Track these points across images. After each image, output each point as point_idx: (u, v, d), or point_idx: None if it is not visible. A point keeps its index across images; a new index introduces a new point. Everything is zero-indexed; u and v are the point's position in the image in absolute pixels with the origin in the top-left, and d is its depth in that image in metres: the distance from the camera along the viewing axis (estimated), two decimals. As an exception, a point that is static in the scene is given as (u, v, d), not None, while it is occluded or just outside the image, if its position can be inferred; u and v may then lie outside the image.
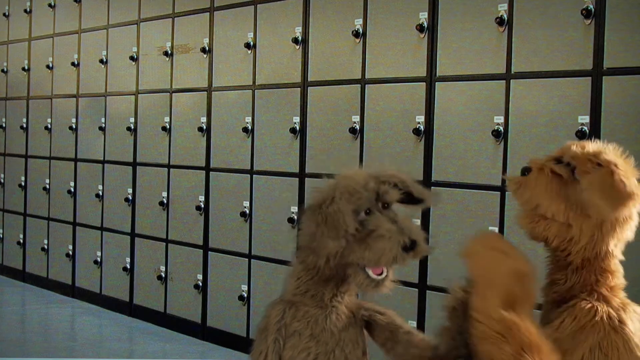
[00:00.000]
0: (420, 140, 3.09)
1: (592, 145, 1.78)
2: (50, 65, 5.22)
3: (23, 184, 5.46)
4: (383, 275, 1.77)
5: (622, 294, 1.80)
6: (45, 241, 5.21)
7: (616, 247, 1.79)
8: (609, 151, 1.77)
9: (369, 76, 3.29)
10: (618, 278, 1.80)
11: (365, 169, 1.95)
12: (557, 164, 1.75)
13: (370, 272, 1.76)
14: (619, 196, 1.68)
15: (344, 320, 1.83)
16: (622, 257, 1.83)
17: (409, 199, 1.89)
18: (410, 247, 1.72)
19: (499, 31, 2.86)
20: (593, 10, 2.60)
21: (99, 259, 4.73)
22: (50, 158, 5.20)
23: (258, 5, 3.78)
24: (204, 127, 4.04)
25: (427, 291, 3.06)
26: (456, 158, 2.99)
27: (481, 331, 1.64)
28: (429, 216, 3.06)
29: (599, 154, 1.73)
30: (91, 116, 4.86)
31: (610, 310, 1.71)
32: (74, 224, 4.97)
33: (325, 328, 1.82)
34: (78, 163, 4.96)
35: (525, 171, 1.77)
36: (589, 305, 1.71)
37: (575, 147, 1.77)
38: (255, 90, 3.80)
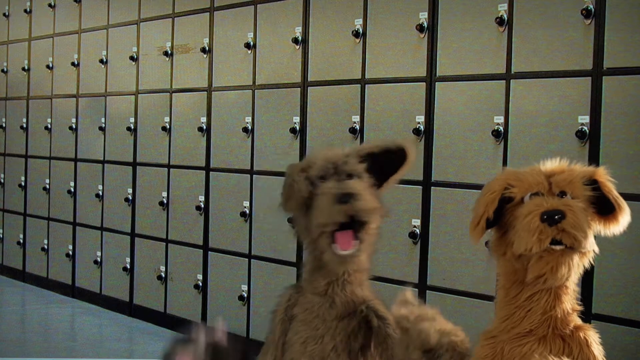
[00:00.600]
0: (420, 140, 3.09)
1: (544, 168, 1.75)
2: (50, 65, 5.22)
3: (23, 184, 5.46)
4: (350, 251, 1.76)
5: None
6: (45, 241, 5.21)
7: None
8: (569, 165, 1.77)
9: (369, 76, 3.29)
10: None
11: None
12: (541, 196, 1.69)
13: (336, 248, 1.76)
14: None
15: (339, 310, 1.84)
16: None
17: (392, 162, 1.86)
18: (342, 199, 1.72)
19: (499, 31, 2.86)
20: (593, 10, 2.60)
21: (99, 259, 4.73)
22: (50, 158, 5.20)
23: (258, 5, 3.78)
24: (204, 127, 4.04)
25: (427, 291, 3.06)
26: (456, 158, 2.99)
27: None
28: (429, 216, 3.06)
29: (578, 170, 1.75)
30: (91, 116, 4.86)
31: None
32: (74, 224, 4.97)
33: (319, 315, 1.85)
34: (78, 163, 4.96)
35: (557, 215, 1.63)
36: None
37: (533, 175, 1.72)
38: (255, 90, 3.80)
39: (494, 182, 1.76)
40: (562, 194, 1.68)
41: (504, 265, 1.76)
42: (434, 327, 1.76)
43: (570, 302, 1.74)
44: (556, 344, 1.70)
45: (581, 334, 1.72)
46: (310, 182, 1.81)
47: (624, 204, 1.73)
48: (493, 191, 1.73)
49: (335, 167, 1.82)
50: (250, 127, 3.79)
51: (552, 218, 1.61)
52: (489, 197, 1.73)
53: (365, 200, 1.75)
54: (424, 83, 3.09)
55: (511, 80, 2.83)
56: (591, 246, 1.67)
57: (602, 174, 1.74)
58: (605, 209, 1.72)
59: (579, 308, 1.78)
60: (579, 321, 1.75)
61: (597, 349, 1.73)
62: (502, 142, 2.84)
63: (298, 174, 1.82)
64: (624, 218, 1.73)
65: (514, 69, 2.83)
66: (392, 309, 1.87)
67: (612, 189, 1.72)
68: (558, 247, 1.63)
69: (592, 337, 1.74)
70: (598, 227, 1.73)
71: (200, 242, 4.05)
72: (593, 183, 1.73)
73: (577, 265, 1.68)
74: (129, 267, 4.50)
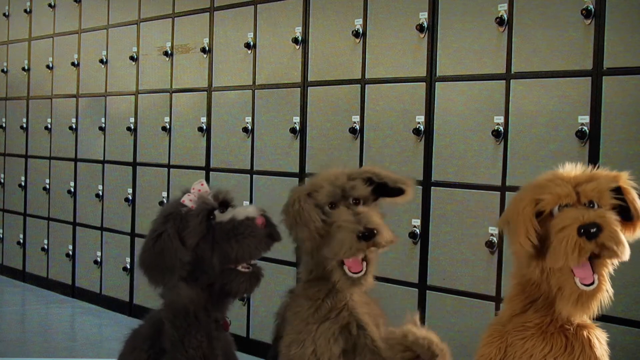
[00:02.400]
0: (420, 140, 3.09)
1: (568, 177, 1.73)
2: (50, 65, 5.22)
3: (23, 184, 5.46)
4: (360, 273, 1.82)
5: None
6: (45, 241, 5.21)
7: None
8: (594, 171, 1.75)
9: (369, 76, 3.29)
10: None
11: (343, 168, 1.96)
12: (570, 207, 1.67)
13: (346, 270, 1.81)
14: None
15: (323, 315, 1.86)
16: None
17: (388, 191, 1.90)
18: (365, 235, 1.76)
19: (499, 31, 2.86)
20: (593, 10, 2.60)
21: (99, 259, 4.73)
22: (50, 158, 5.20)
23: (258, 5, 3.78)
24: (204, 127, 4.04)
25: (427, 291, 3.06)
26: (456, 158, 2.99)
27: None
28: (429, 216, 3.06)
29: (605, 177, 1.73)
30: (91, 116, 4.86)
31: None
32: (74, 224, 4.97)
33: (303, 319, 1.89)
34: (78, 163, 4.96)
35: (594, 228, 1.60)
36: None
37: (560, 187, 1.69)
38: (255, 90, 3.80)
39: (522, 199, 1.72)
40: (591, 203, 1.67)
41: (525, 268, 1.74)
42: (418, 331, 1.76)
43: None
44: (558, 341, 1.70)
45: (584, 333, 1.71)
46: (320, 209, 1.84)
47: None
48: (526, 210, 1.69)
49: (343, 192, 1.85)
50: (250, 127, 3.79)
51: (589, 232, 1.59)
52: (526, 217, 1.69)
53: (384, 233, 1.80)
54: (424, 83, 3.09)
55: (511, 80, 2.83)
56: (628, 253, 1.64)
57: (626, 181, 1.72)
58: (623, 214, 1.70)
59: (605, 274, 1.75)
60: (583, 320, 1.74)
61: (601, 349, 1.72)
62: (502, 142, 2.84)
63: (306, 201, 1.84)
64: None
65: (514, 69, 2.83)
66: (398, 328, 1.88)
67: (634, 197, 1.69)
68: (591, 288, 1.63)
69: (597, 336, 1.73)
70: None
71: (200, 242, 4.04)
72: (616, 189, 1.71)
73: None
74: (129, 267, 4.50)
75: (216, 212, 2.05)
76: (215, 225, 2.02)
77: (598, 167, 1.79)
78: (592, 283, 1.63)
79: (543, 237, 1.67)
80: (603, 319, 2.53)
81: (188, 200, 2.06)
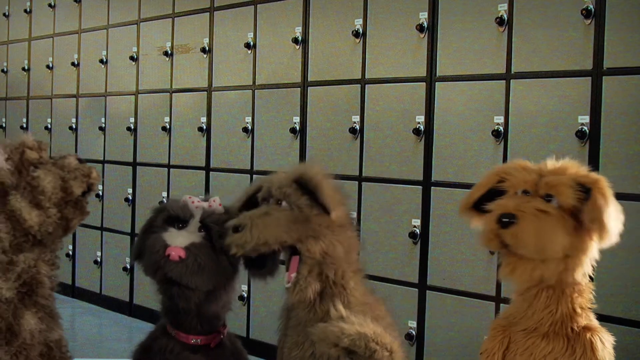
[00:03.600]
0: (420, 140, 3.09)
1: (539, 166, 1.72)
2: (50, 65, 5.22)
3: (23, 184, 5.45)
4: (290, 283, 1.85)
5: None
6: (45, 241, 5.21)
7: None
8: (572, 166, 1.71)
9: (369, 76, 3.29)
10: (587, 293, 1.77)
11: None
12: (526, 195, 1.67)
13: (285, 281, 1.86)
14: (619, 212, 1.67)
15: (320, 318, 1.87)
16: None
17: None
18: (233, 229, 1.83)
19: (499, 31, 2.86)
20: (593, 10, 2.60)
21: (99, 259, 4.73)
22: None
23: (258, 5, 3.78)
24: (204, 127, 4.04)
25: (427, 291, 3.06)
26: (456, 158, 2.99)
27: None
28: (428, 216, 3.06)
29: (575, 175, 1.68)
30: (91, 116, 4.86)
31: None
32: (74, 224, 4.97)
33: (301, 322, 1.90)
34: (78, 163, 4.95)
35: (509, 218, 1.62)
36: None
37: (524, 172, 1.70)
38: (255, 90, 3.80)
39: (490, 172, 1.78)
40: (549, 196, 1.66)
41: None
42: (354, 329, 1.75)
43: (578, 300, 1.72)
44: (559, 343, 1.70)
45: (587, 335, 1.70)
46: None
47: (606, 230, 1.64)
48: (485, 180, 1.76)
49: (270, 192, 1.92)
50: (250, 127, 3.79)
51: (502, 221, 1.62)
52: (481, 183, 1.76)
53: (251, 230, 1.81)
54: (424, 83, 3.09)
55: (511, 80, 2.83)
56: (553, 254, 1.63)
57: (599, 186, 1.65)
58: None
59: (590, 307, 1.75)
60: (589, 321, 1.73)
61: (603, 353, 1.70)
62: (502, 142, 2.84)
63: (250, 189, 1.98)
64: (604, 237, 1.67)
65: (514, 69, 2.83)
66: None
67: (601, 209, 1.62)
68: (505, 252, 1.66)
69: (601, 339, 1.71)
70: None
71: (200, 242, 4.04)
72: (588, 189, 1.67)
73: (548, 269, 1.66)
74: (128, 267, 4.50)
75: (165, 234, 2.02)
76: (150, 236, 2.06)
77: (597, 168, 1.76)
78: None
79: None
80: (603, 319, 2.54)
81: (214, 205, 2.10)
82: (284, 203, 1.88)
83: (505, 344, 1.75)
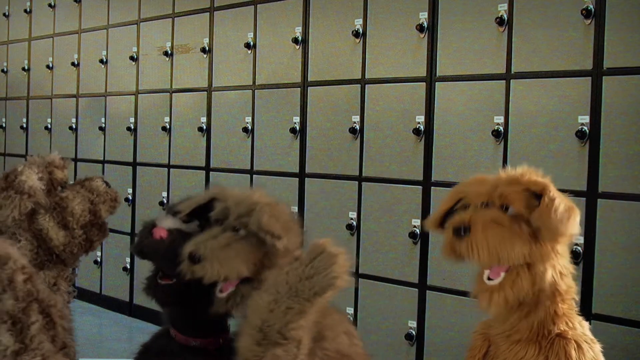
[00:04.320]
0: (420, 140, 3.09)
1: (496, 177, 1.75)
2: (50, 65, 5.22)
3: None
4: (224, 294, 1.79)
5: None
6: (45, 241, 5.21)
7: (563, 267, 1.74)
8: (526, 173, 1.74)
9: (369, 76, 3.29)
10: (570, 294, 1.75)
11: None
12: (485, 207, 1.70)
13: (218, 291, 1.80)
14: (572, 213, 1.67)
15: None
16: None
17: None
18: (189, 256, 1.75)
19: (499, 31, 2.86)
20: (593, 10, 2.60)
21: (99, 259, 4.73)
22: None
23: (258, 5, 3.78)
24: (204, 127, 4.04)
25: (427, 291, 3.06)
26: (456, 158, 2.99)
27: None
28: (429, 216, 3.06)
29: (526, 183, 1.71)
30: (91, 116, 4.86)
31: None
32: (74, 224, 4.97)
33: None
34: (78, 163, 4.95)
35: (463, 231, 1.67)
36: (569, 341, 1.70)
37: (479, 186, 1.74)
38: (255, 90, 3.80)
39: (451, 190, 1.83)
40: (504, 205, 1.69)
41: None
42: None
43: (555, 307, 1.70)
44: (532, 349, 1.69)
45: (561, 343, 1.68)
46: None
47: (558, 234, 1.65)
48: (447, 198, 1.83)
49: (226, 216, 1.85)
50: (250, 127, 3.79)
51: (458, 232, 1.67)
52: (445, 200, 1.83)
53: (208, 266, 1.76)
54: (424, 83, 3.09)
55: (511, 80, 2.83)
56: (510, 262, 1.65)
57: (548, 192, 1.68)
58: None
59: (569, 313, 1.72)
60: (570, 328, 1.70)
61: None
62: (502, 142, 2.84)
63: (204, 197, 1.89)
64: (563, 243, 1.69)
65: (514, 69, 2.83)
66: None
67: (548, 214, 1.64)
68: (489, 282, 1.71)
69: (576, 348, 1.68)
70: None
71: (200, 242, 4.04)
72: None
73: (516, 286, 1.68)
74: (129, 267, 4.50)
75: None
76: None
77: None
78: (497, 279, 1.69)
79: None
80: (603, 318, 2.54)
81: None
82: (241, 230, 1.81)
83: (485, 348, 1.78)
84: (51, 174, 1.97)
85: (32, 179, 1.90)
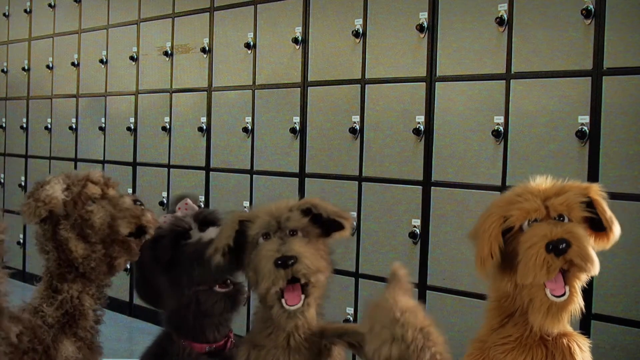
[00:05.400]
0: (420, 140, 3.09)
1: (535, 192, 1.69)
2: (50, 65, 5.22)
3: (23, 184, 5.45)
4: (297, 306, 1.71)
5: None
6: (45, 241, 5.20)
7: None
8: (567, 183, 1.71)
9: (369, 76, 3.29)
10: None
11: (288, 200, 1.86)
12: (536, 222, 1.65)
13: (284, 303, 1.72)
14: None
15: (306, 356, 1.81)
16: None
17: (328, 226, 1.82)
18: (281, 263, 1.67)
19: (499, 31, 2.86)
20: (593, 10, 2.60)
21: (99, 259, 4.73)
22: (50, 158, 5.20)
23: (258, 5, 3.78)
24: (204, 127, 4.04)
25: (427, 291, 3.06)
26: (456, 158, 2.99)
27: None
28: (428, 216, 3.06)
29: (575, 189, 1.68)
30: (91, 116, 4.86)
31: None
32: (74, 224, 4.97)
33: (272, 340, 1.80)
34: (78, 163, 4.95)
35: (565, 246, 1.58)
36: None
37: (520, 203, 1.67)
38: (255, 90, 3.80)
39: (490, 216, 1.72)
40: (560, 216, 1.65)
41: (499, 282, 1.74)
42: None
43: None
44: (538, 352, 1.69)
45: (564, 341, 1.69)
46: (252, 239, 1.79)
47: (615, 226, 1.67)
48: (491, 228, 1.70)
49: (278, 223, 1.78)
50: (250, 127, 3.79)
51: (557, 248, 1.57)
52: (491, 234, 1.69)
53: (306, 261, 1.70)
54: (424, 83, 3.09)
55: (511, 80, 2.83)
56: (597, 268, 1.63)
57: (596, 192, 1.68)
58: (596, 225, 1.68)
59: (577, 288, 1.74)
60: (564, 327, 1.71)
61: (581, 356, 1.69)
62: (502, 142, 2.84)
63: (232, 225, 1.79)
64: (613, 238, 1.69)
65: (514, 69, 2.83)
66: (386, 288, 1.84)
67: (604, 209, 1.67)
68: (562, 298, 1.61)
69: (577, 344, 1.70)
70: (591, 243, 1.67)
71: (200, 242, 4.04)
72: (588, 200, 1.69)
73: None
74: (128, 267, 4.50)
75: (194, 232, 2.04)
76: (184, 246, 2.02)
77: (567, 180, 1.74)
78: (563, 294, 1.61)
79: (514, 251, 1.66)
80: (603, 318, 2.54)
81: (163, 221, 2.07)
82: (299, 233, 1.78)
83: None
84: (84, 187, 1.99)
85: (54, 189, 1.92)
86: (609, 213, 1.66)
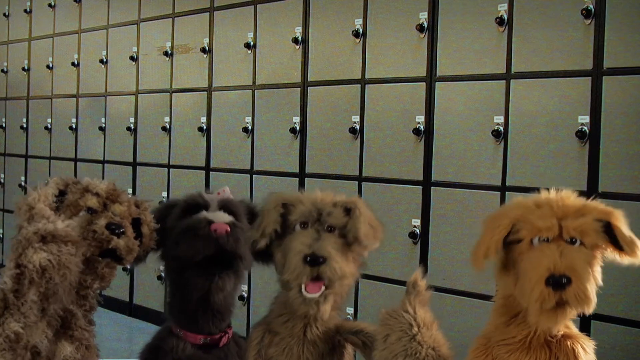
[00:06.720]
0: (420, 140, 3.09)
1: (550, 205, 1.65)
2: (50, 65, 5.22)
3: (23, 184, 5.46)
4: (315, 295, 1.72)
5: None
6: (45, 241, 5.20)
7: None
8: (587, 203, 1.66)
9: (369, 76, 3.29)
10: None
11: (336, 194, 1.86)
12: (549, 242, 1.62)
13: (303, 289, 1.72)
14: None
15: (320, 349, 1.81)
16: None
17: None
18: (310, 260, 1.68)
19: (499, 31, 2.86)
20: (593, 10, 2.60)
21: (99, 259, 4.73)
22: (50, 158, 5.20)
23: (258, 5, 3.78)
24: (204, 127, 4.04)
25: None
26: (456, 158, 2.99)
27: None
28: (428, 216, 3.06)
29: (594, 212, 1.64)
30: (91, 116, 4.86)
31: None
32: (74, 224, 4.97)
33: (301, 357, 1.81)
34: (78, 163, 4.96)
35: (564, 279, 1.55)
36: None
37: (533, 215, 1.63)
38: (255, 90, 3.80)
39: (502, 217, 1.67)
40: (573, 239, 1.61)
41: (504, 281, 1.73)
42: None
43: None
44: (542, 354, 1.68)
45: (569, 343, 1.68)
46: (290, 224, 1.79)
47: (638, 249, 1.61)
48: (496, 232, 1.65)
49: (319, 215, 1.79)
50: (250, 127, 3.79)
51: (557, 283, 1.55)
52: (493, 237, 1.65)
53: (334, 264, 1.70)
54: (424, 83, 3.09)
55: (511, 80, 2.83)
56: (592, 308, 1.61)
57: (617, 218, 1.62)
58: (619, 243, 1.63)
59: (571, 316, 1.71)
60: (569, 329, 1.71)
61: (586, 358, 1.68)
62: (502, 142, 2.84)
63: (276, 208, 1.79)
64: (637, 260, 1.63)
65: (514, 69, 2.83)
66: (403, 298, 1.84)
67: (625, 234, 1.60)
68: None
69: (582, 346, 1.69)
70: (612, 255, 1.63)
71: (200, 242, 4.04)
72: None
73: None
74: (129, 267, 4.49)
75: (204, 212, 2.03)
76: (179, 223, 2.02)
77: (595, 197, 1.70)
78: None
79: (518, 258, 1.64)
80: (603, 319, 2.54)
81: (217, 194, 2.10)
82: (336, 231, 1.78)
83: None
84: (82, 197, 1.99)
85: (42, 194, 1.94)
86: (629, 238, 1.60)
